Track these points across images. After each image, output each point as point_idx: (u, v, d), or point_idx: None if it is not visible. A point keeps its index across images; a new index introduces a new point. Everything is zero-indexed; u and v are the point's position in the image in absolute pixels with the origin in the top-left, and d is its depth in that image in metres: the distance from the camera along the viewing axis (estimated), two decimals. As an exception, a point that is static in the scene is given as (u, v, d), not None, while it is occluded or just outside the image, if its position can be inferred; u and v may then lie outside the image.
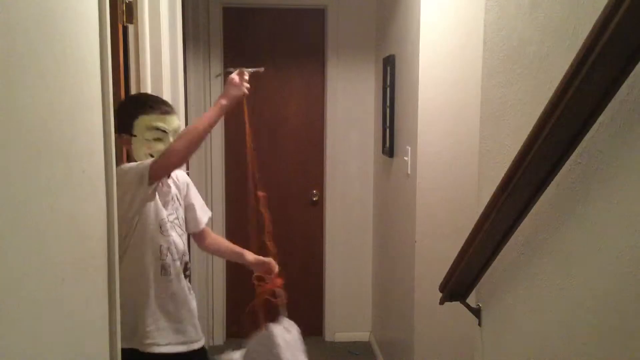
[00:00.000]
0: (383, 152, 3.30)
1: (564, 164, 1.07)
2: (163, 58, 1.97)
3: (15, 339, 1.00)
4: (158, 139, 1.76)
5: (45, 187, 1.15)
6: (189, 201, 1.99)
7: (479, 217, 1.34)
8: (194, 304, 1.92)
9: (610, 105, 0.94)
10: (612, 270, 0.95)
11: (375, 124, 3.62)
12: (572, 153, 1.05)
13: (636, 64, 0.86)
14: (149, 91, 1.89)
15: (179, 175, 1.99)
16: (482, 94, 1.54)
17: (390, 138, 3.12)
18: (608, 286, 0.97)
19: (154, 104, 1.78)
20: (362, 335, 3.85)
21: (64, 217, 1.25)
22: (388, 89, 3.16)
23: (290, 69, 3.67)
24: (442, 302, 1.61)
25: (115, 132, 1.78)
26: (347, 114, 3.70)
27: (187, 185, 2.00)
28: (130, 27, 1.79)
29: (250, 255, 2.01)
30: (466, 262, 1.44)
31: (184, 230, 1.95)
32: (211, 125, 1.71)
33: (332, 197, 3.76)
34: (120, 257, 1.74)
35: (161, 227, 1.81)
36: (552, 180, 1.11)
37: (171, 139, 1.77)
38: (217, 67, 3.61)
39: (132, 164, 1.73)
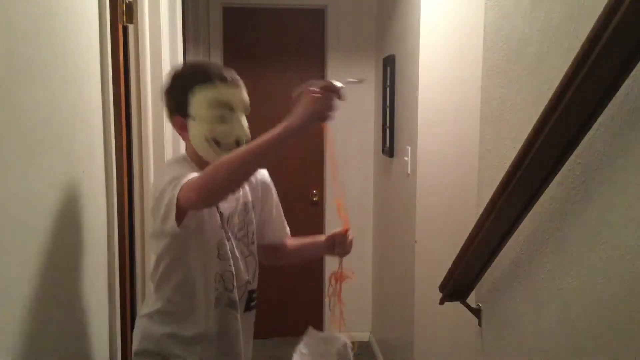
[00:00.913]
0: (383, 152, 3.30)
1: (564, 164, 1.07)
2: (163, 58, 1.96)
3: (16, 339, 1.00)
4: (222, 119, 1.35)
5: (45, 187, 1.15)
6: (267, 212, 1.58)
7: (479, 217, 1.34)
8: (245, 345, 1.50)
9: (610, 105, 0.93)
10: (613, 270, 0.95)
11: (375, 124, 3.62)
12: (572, 153, 1.05)
13: (636, 64, 0.86)
14: (149, 91, 1.87)
15: (258, 173, 1.56)
16: (482, 94, 1.54)
17: (390, 138, 3.12)
18: (608, 286, 0.97)
19: (215, 71, 1.37)
20: (362, 335, 3.84)
21: (64, 217, 1.26)
22: (388, 89, 3.16)
23: (290, 69, 3.66)
24: (442, 302, 1.61)
25: (168, 114, 1.42)
26: (347, 114, 3.70)
27: (268, 188, 1.59)
28: (130, 27, 1.78)
29: (322, 237, 1.61)
30: (466, 262, 1.44)
31: (253, 249, 1.53)
32: (264, 151, 1.16)
33: (332, 197, 3.76)
34: (161, 277, 1.43)
35: (219, 251, 1.41)
36: (552, 180, 1.11)
37: (241, 119, 1.39)
38: (217, 67, 3.60)
39: (169, 177, 1.28)
